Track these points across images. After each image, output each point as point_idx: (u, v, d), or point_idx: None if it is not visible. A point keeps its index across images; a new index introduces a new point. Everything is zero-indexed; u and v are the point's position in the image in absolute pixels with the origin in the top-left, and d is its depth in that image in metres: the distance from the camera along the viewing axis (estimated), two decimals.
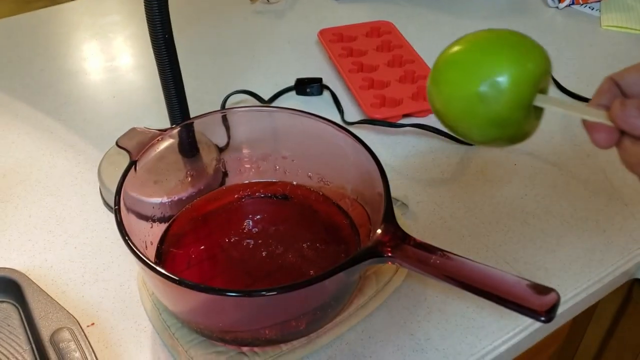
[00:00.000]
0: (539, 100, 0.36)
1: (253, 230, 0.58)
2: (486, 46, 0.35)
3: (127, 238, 0.46)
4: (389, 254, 0.44)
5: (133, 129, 0.56)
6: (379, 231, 0.46)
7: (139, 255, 0.45)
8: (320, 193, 0.61)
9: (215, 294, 0.43)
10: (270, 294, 0.43)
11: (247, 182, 0.64)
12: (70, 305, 0.55)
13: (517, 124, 0.37)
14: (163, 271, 0.44)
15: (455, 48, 0.37)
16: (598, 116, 0.35)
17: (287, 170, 0.63)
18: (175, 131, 0.57)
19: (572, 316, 0.61)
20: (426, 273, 0.44)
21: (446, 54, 0.37)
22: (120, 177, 0.51)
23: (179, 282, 0.43)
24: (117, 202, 0.49)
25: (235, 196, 0.62)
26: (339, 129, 0.56)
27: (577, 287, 0.59)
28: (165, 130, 0.56)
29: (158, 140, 0.55)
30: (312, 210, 0.61)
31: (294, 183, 0.63)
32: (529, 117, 0.37)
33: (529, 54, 0.35)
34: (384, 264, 0.47)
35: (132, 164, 0.53)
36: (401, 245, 0.45)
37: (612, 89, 0.37)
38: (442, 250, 0.44)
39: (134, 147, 0.54)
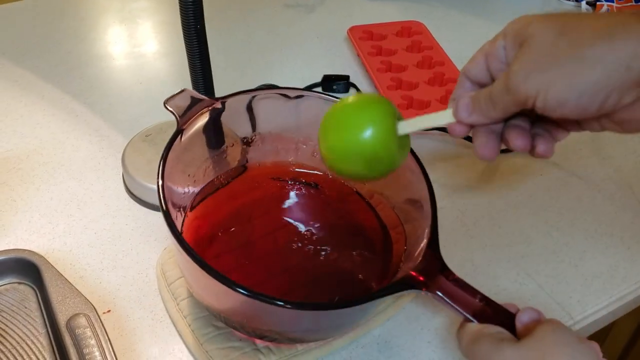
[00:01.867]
0: (401, 130, 0.43)
1: (280, 220, 0.57)
2: (350, 112, 0.44)
3: (167, 212, 0.45)
4: (427, 289, 0.43)
5: (185, 91, 0.54)
6: (420, 259, 0.45)
7: (179, 238, 0.43)
8: (354, 190, 0.60)
9: (264, 301, 0.41)
10: (297, 308, 0.42)
11: (279, 164, 0.61)
12: (87, 290, 0.56)
13: (392, 156, 0.44)
14: (210, 267, 0.42)
15: (330, 119, 0.45)
16: (447, 118, 0.42)
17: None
18: (228, 101, 0.54)
19: (590, 333, 0.60)
20: (458, 312, 0.43)
21: (324, 123, 0.45)
22: (165, 148, 0.49)
23: (221, 279, 0.41)
24: (162, 173, 0.47)
25: (269, 178, 0.61)
26: None
27: (598, 304, 0.58)
28: (216, 99, 0.54)
29: (208, 109, 0.53)
30: (340, 204, 0.60)
31: (329, 176, 0.61)
32: (399, 148, 0.44)
33: (378, 108, 0.43)
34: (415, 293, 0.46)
35: (179, 132, 0.51)
36: (441, 282, 0.43)
37: (464, 83, 0.43)
38: (481, 294, 0.43)
39: (183, 112, 0.52)
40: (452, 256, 0.61)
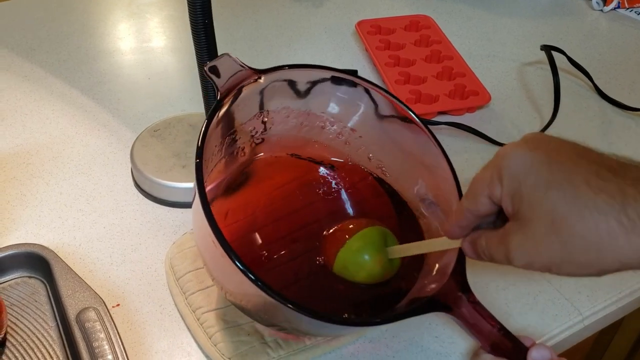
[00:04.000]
0: (390, 254, 0.51)
1: (292, 199, 0.56)
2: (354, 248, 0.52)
3: (207, 207, 0.42)
4: (450, 312, 0.44)
5: (226, 56, 0.50)
6: (447, 280, 0.45)
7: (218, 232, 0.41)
8: (375, 175, 0.58)
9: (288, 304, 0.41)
10: (321, 319, 0.42)
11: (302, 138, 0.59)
12: (96, 284, 0.56)
13: (384, 268, 0.51)
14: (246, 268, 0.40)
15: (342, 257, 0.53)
16: (446, 244, 0.46)
17: (350, 142, 0.59)
18: (275, 74, 0.51)
19: (599, 329, 0.60)
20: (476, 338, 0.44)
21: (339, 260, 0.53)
22: (204, 127, 0.45)
23: (256, 282, 0.40)
24: (200, 154, 0.44)
25: (287, 154, 0.58)
26: (432, 138, 0.53)
27: (607, 300, 0.58)
28: (260, 71, 0.50)
29: (254, 81, 0.49)
30: (355, 189, 0.59)
31: (349, 162, 0.59)
32: (390, 263, 0.52)
33: (372, 241, 0.52)
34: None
35: (218, 105, 0.47)
36: (465, 306, 0.45)
37: (469, 218, 0.43)
38: (499, 324, 0.44)
39: (224, 81, 0.48)
40: (469, 260, 0.61)
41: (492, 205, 0.40)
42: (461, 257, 0.46)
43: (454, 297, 0.44)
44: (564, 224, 0.35)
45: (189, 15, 0.56)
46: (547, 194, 0.36)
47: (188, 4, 0.55)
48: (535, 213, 0.36)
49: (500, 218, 0.42)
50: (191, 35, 0.58)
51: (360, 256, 0.51)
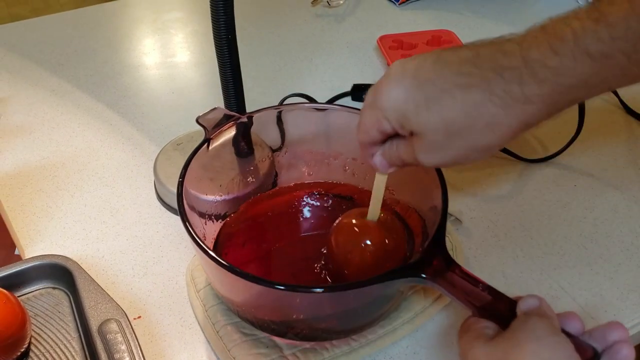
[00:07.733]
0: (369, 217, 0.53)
1: (308, 231, 0.58)
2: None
3: (187, 221, 0.48)
4: (425, 276, 0.43)
5: (217, 109, 0.59)
6: (421, 251, 0.45)
7: (195, 238, 0.46)
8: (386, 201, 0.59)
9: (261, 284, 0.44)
10: (305, 291, 0.44)
11: (310, 181, 0.63)
12: (118, 296, 0.56)
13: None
14: (219, 258, 0.45)
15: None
16: (381, 181, 0.51)
17: (356, 172, 0.62)
18: (255, 115, 0.59)
19: None
20: (462, 303, 0.43)
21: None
22: (191, 153, 0.54)
23: (233, 271, 0.44)
24: (183, 174, 0.52)
25: (299, 193, 0.62)
26: None
27: (635, 319, 0.57)
28: (245, 114, 0.59)
29: (234, 122, 0.57)
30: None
31: (360, 187, 0.62)
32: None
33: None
34: (421, 284, 0.45)
35: (206, 140, 0.55)
36: (444, 272, 0.44)
37: (368, 149, 0.48)
38: (484, 283, 0.43)
39: (211, 124, 0.57)
40: (483, 267, 0.60)
41: (386, 134, 0.45)
42: (442, 224, 0.46)
43: (434, 263, 0.44)
44: (456, 126, 0.41)
45: (213, 30, 0.57)
46: (430, 111, 0.41)
47: (212, 19, 0.56)
48: (430, 128, 0.42)
49: None
50: (215, 51, 0.59)
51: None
